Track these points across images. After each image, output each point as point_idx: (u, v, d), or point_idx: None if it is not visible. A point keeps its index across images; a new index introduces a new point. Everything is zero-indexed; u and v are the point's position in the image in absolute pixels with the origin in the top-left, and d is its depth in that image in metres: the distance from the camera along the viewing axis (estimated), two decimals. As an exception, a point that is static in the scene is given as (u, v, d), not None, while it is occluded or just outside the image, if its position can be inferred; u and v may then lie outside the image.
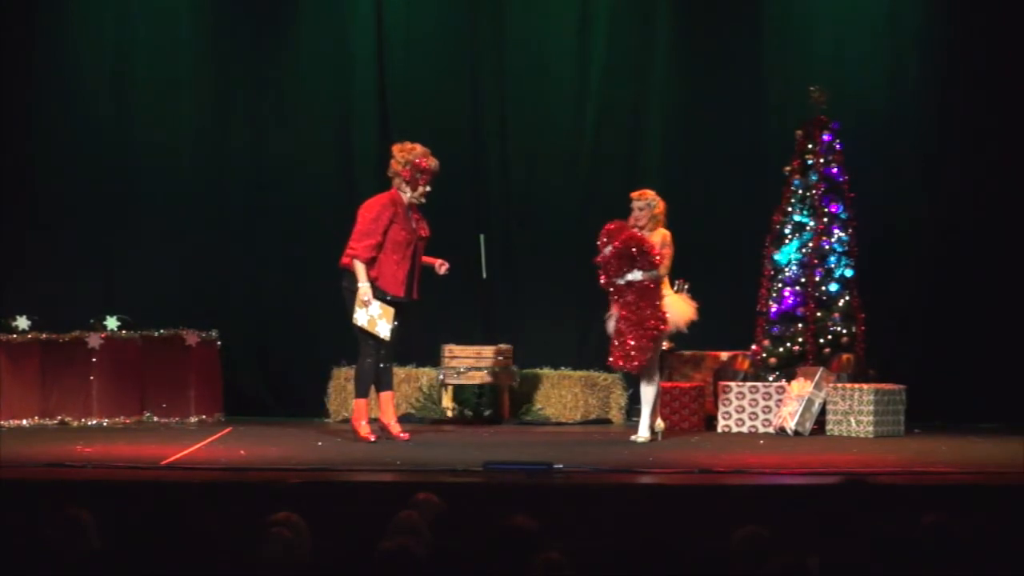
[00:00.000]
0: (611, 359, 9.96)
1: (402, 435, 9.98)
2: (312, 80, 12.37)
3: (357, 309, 9.74)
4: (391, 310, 9.79)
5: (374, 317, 9.75)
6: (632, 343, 9.76)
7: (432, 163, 9.89)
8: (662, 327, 9.86)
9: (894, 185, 11.96)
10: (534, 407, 11.76)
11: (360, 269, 9.75)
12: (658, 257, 9.81)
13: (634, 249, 9.74)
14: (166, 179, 12.27)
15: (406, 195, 9.90)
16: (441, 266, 10.10)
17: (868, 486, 4.47)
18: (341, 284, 9.94)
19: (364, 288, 9.73)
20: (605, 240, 9.83)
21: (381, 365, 9.97)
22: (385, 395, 10.06)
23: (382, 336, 9.78)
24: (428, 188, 9.90)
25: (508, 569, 4.42)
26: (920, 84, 12.09)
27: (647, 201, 10.01)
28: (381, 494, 7.37)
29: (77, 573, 4.64)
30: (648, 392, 10.04)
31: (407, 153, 9.89)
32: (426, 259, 10.05)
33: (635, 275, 9.82)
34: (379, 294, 9.79)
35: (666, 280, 10.01)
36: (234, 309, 12.20)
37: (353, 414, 10.14)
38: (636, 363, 9.82)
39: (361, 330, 9.80)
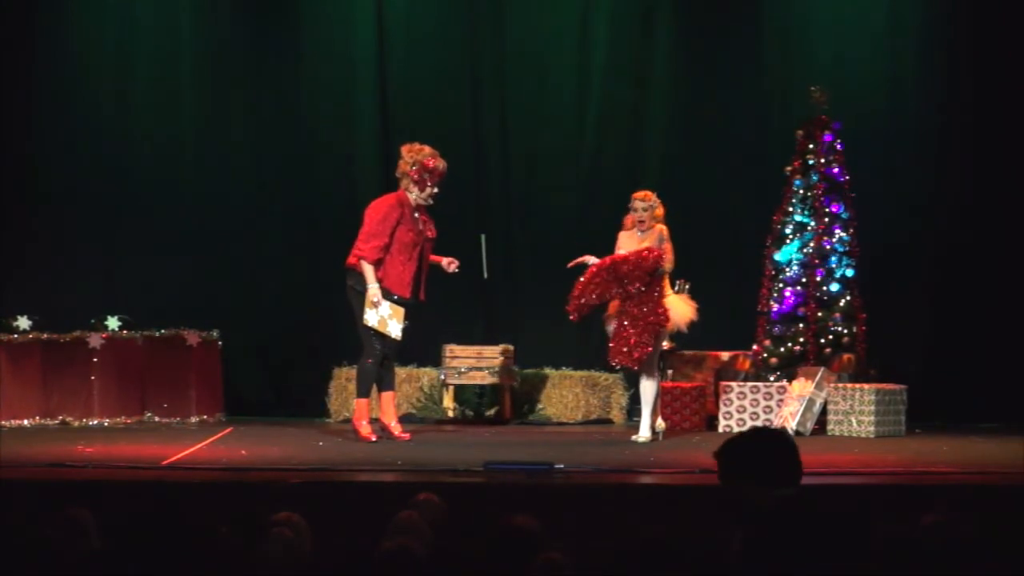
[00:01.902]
0: (611, 355, 9.96)
1: (403, 435, 9.98)
2: (313, 80, 12.36)
3: (367, 310, 9.74)
4: (401, 310, 9.79)
5: (384, 317, 9.75)
6: (634, 338, 9.76)
7: (440, 164, 9.88)
8: (664, 323, 9.86)
9: (895, 185, 11.96)
10: (535, 407, 11.76)
11: (368, 270, 9.75)
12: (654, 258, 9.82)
13: (643, 267, 9.78)
14: (166, 179, 12.27)
15: (413, 195, 9.89)
16: (450, 264, 10.09)
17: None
18: (346, 283, 9.94)
19: (373, 289, 9.73)
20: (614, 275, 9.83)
21: (384, 365, 9.97)
22: (386, 395, 10.06)
23: (393, 336, 9.79)
24: (436, 189, 9.89)
25: (508, 569, 4.42)
26: (921, 84, 12.09)
27: (650, 203, 10.04)
28: (382, 494, 7.37)
29: (77, 573, 4.63)
30: (648, 392, 10.04)
31: (415, 153, 9.88)
32: (434, 258, 10.05)
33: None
34: (385, 294, 9.79)
35: (667, 280, 10.02)
36: (235, 309, 12.19)
37: (354, 414, 10.14)
38: (636, 357, 9.81)
39: (367, 330, 9.80)
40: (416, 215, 9.89)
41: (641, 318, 9.78)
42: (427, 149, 9.89)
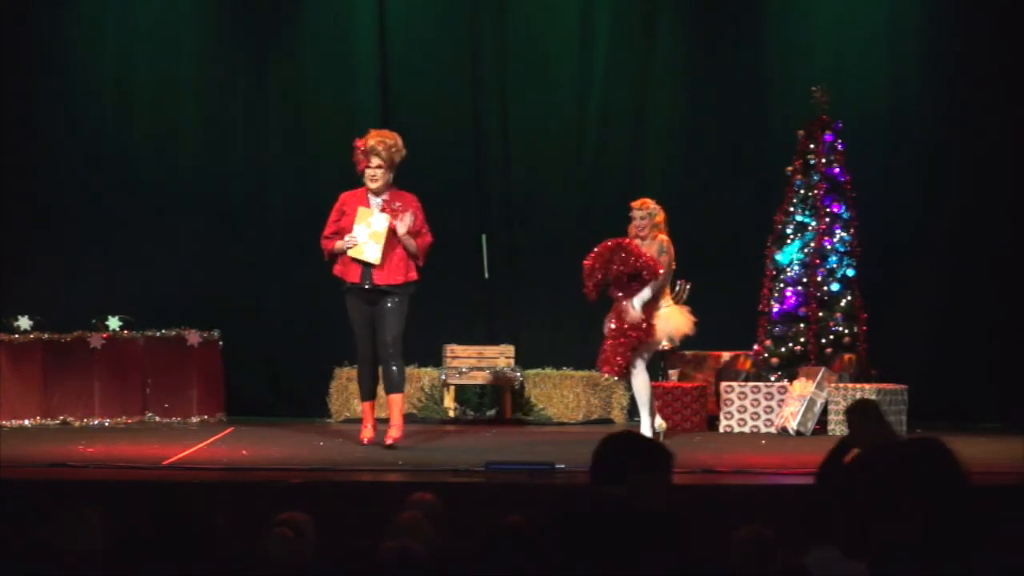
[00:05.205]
0: (598, 361, 9.92)
1: (386, 439, 9.61)
2: (314, 80, 12.37)
3: (365, 247, 9.45)
4: (366, 212, 9.48)
5: (360, 245, 9.47)
6: (613, 346, 9.68)
7: (363, 140, 9.60)
8: (645, 338, 9.68)
9: (896, 185, 11.96)
10: (536, 407, 11.76)
11: (334, 248, 9.57)
12: (649, 269, 9.71)
13: (636, 269, 9.63)
14: (167, 178, 12.26)
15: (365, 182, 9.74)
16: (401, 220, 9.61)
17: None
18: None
19: (341, 243, 9.49)
20: (607, 263, 9.65)
21: (393, 367, 9.74)
22: (389, 398, 9.98)
23: (372, 259, 9.49)
24: (372, 169, 9.52)
25: (509, 569, 4.42)
26: (922, 84, 12.09)
27: (648, 211, 9.79)
28: (383, 494, 7.37)
29: (77, 573, 4.64)
30: (642, 393, 9.84)
31: None
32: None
33: (645, 293, 9.67)
34: (343, 285, 9.66)
35: (667, 289, 9.91)
36: (236, 309, 12.17)
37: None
38: (616, 368, 9.72)
39: (352, 327, 9.67)
40: (378, 198, 9.62)
41: (620, 330, 9.65)
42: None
